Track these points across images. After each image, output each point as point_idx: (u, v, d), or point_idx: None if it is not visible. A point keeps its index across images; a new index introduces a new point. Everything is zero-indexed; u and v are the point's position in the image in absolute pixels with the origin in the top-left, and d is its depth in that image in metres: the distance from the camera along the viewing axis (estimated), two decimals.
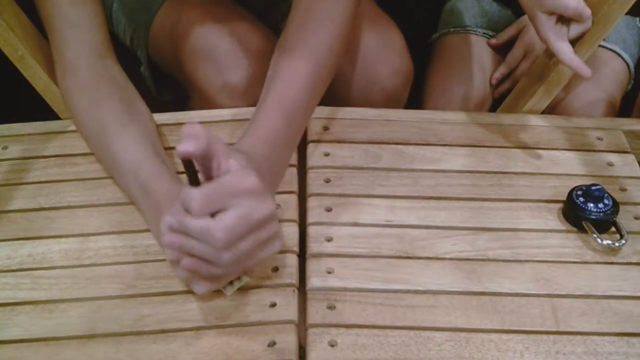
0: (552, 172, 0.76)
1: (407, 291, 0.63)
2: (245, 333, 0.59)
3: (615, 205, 0.69)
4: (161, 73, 0.96)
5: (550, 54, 0.80)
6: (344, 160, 0.76)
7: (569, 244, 0.68)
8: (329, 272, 0.64)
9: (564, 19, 0.76)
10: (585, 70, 0.75)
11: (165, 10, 0.89)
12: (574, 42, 0.77)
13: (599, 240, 0.67)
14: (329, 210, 0.70)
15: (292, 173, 0.73)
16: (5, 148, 0.79)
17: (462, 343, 0.59)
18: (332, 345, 0.58)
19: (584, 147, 0.80)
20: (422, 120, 0.82)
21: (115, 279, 0.64)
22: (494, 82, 1.00)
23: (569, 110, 0.93)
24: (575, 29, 0.76)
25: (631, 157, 0.78)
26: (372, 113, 0.83)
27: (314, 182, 0.73)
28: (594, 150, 0.79)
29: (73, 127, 0.80)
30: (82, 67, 0.73)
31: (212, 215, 0.53)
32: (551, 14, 0.75)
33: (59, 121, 0.83)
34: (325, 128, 0.80)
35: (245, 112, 0.80)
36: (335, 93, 0.89)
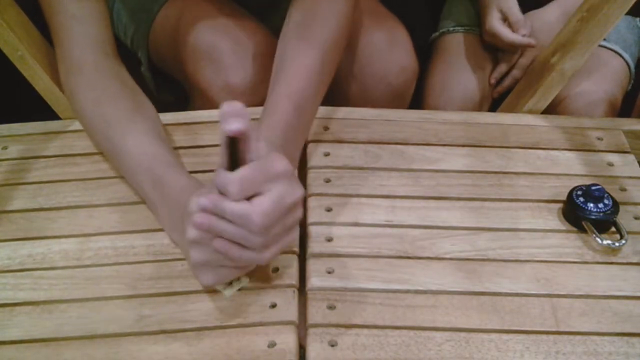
0: (552, 172, 0.76)
1: (407, 291, 0.63)
2: (246, 333, 0.59)
3: (615, 205, 0.69)
4: (162, 73, 0.96)
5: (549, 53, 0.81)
6: (344, 160, 0.76)
7: (569, 244, 0.68)
8: (329, 272, 0.64)
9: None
10: (527, 40, 0.94)
11: (166, 10, 0.89)
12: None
13: (599, 240, 0.67)
14: (329, 210, 0.70)
15: None
16: (5, 148, 0.79)
17: (462, 343, 0.59)
18: (332, 345, 0.58)
19: (584, 147, 0.80)
20: (422, 120, 0.82)
21: (116, 279, 0.64)
22: (492, 81, 1.00)
23: (569, 110, 0.94)
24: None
25: (631, 157, 0.78)
26: (372, 113, 0.83)
27: (314, 182, 0.73)
28: (594, 150, 0.79)
29: (73, 127, 0.80)
30: (89, 64, 0.72)
31: (247, 199, 0.53)
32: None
33: (59, 121, 0.83)
34: (325, 128, 0.80)
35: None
36: (343, 90, 0.89)
